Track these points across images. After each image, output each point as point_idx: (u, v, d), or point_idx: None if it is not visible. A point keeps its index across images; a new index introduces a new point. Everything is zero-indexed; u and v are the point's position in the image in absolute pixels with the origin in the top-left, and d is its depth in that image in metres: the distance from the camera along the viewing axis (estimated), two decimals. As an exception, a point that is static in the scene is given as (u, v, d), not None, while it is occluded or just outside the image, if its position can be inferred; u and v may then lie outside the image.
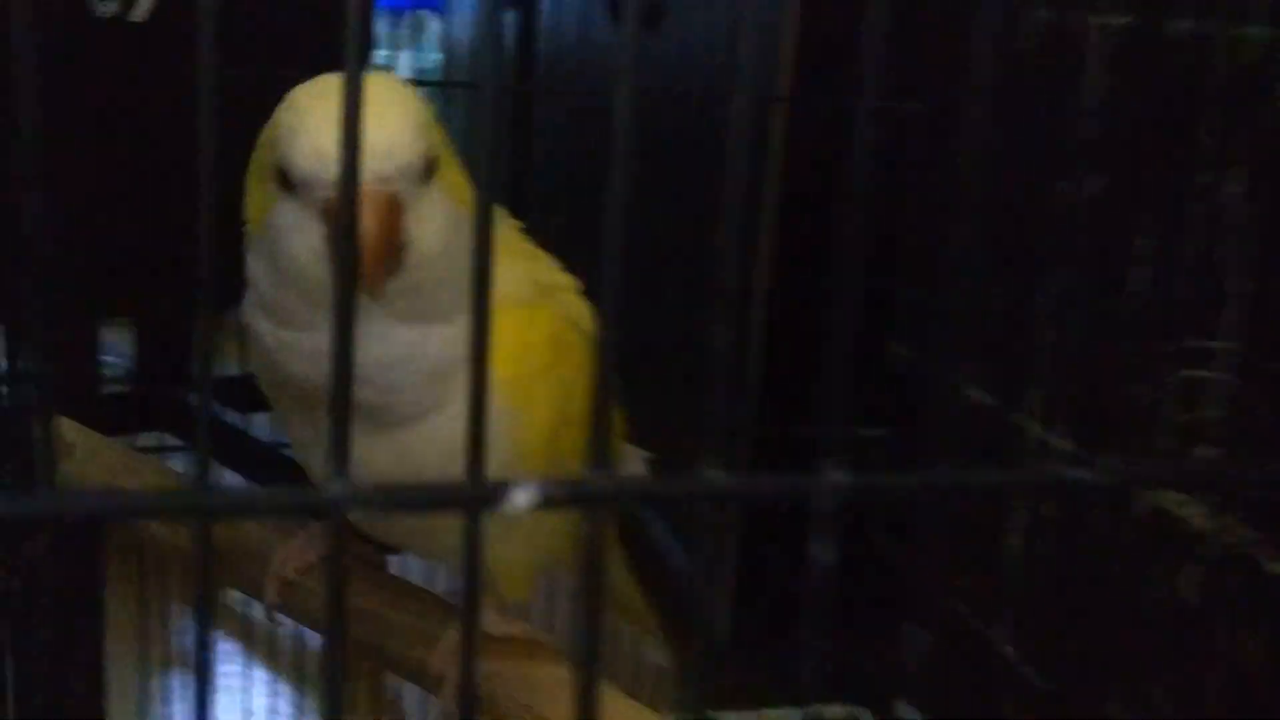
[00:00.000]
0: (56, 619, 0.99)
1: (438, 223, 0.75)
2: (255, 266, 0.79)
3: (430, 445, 0.81)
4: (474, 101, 1.57)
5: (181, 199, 1.20)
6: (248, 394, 1.80)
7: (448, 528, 0.83)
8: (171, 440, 2.21)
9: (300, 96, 0.74)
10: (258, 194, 0.78)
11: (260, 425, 1.96)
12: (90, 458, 0.95)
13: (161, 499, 0.48)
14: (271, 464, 1.91)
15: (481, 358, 0.35)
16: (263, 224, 0.76)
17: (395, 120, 0.73)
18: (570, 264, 0.90)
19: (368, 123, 0.57)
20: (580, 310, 0.89)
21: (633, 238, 0.31)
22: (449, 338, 0.79)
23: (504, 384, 0.80)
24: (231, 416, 2.20)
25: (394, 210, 0.71)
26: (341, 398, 0.36)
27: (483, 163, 0.35)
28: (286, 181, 0.73)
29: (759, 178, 1.48)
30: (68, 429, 0.97)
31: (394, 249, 0.71)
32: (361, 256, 0.69)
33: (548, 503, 0.33)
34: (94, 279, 1.51)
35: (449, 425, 0.80)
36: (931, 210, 1.37)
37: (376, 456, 0.80)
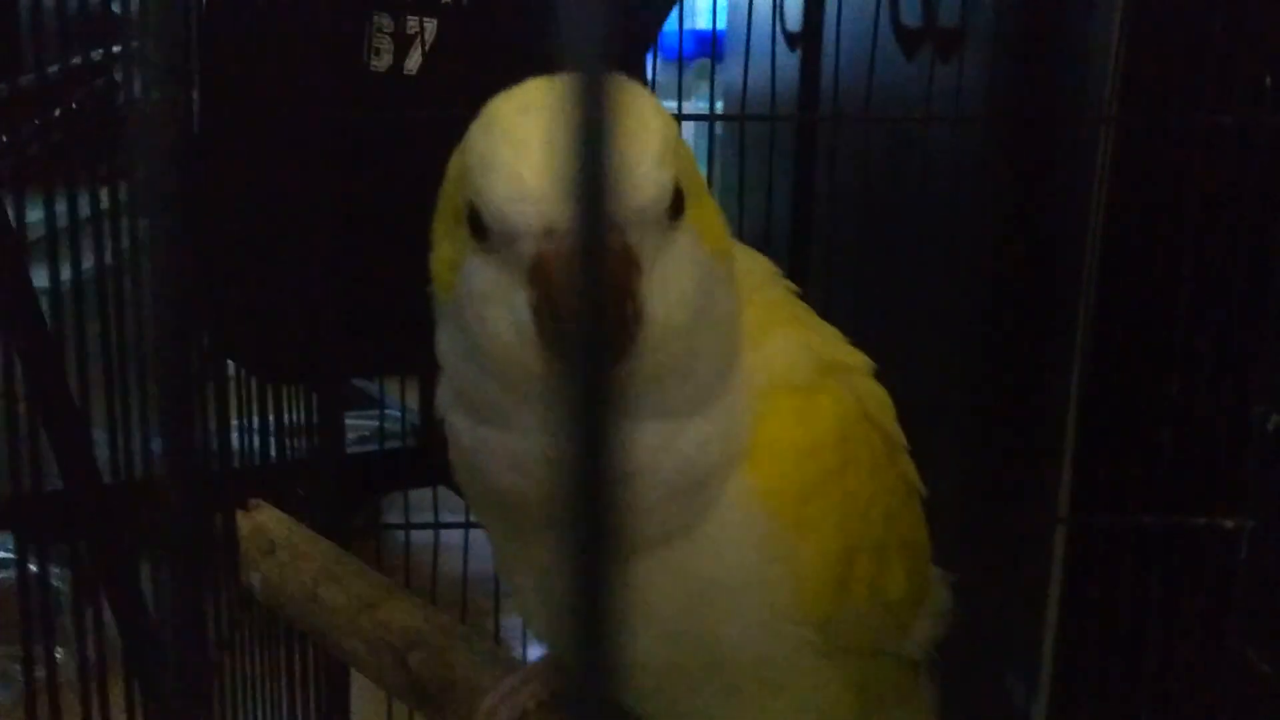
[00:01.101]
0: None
1: (686, 280, 0.58)
2: (445, 342, 0.64)
3: (677, 579, 0.64)
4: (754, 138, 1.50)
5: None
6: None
7: (696, 690, 0.69)
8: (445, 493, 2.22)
9: (499, 111, 0.58)
10: (445, 245, 0.62)
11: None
12: (293, 559, 0.88)
13: None
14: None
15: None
16: (452, 285, 0.61)
17: (635, 140, 0.55)
18: (858, 335, 0.74)
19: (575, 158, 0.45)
20: (874, 395, 0.72)
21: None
22: (704, 436, 0.62)
23: (774, 498, 0.64)
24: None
25: (632, 267, 0.54)
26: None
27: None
28: (479, 228, 0.57)
29: (1085, 206, 1.30)
30: (273, 523, 0.90)
31: (631, 321, 0.55)
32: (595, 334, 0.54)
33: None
34: (379, 333, 1.51)
35: (703, 552, 0.64)
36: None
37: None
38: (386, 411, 2.16)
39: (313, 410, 1.37)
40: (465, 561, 1.39)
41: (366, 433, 2.45)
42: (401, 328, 1.56)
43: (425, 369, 2.04)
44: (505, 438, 0.61)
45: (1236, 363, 1.21)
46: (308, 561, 0.90)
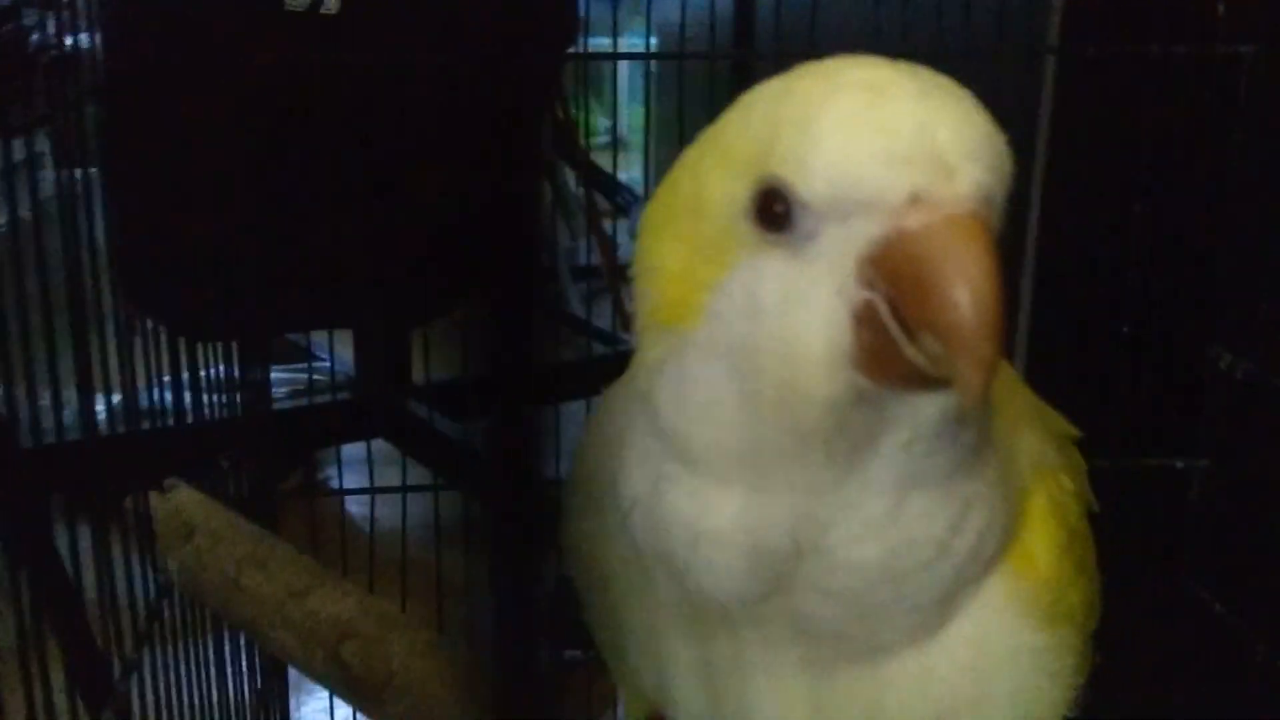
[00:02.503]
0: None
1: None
2: (681, 377, 0.50)
3: (917, 688, 0.54)
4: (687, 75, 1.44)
5: (390, 200, 1.07)
6: (465, 399, 1.75)
7: None
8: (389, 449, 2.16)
9: (800, 85, 0.48)
10: (677, 258, 0.50)
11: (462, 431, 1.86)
12: (214, 544, 0.82)
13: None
14: (485, 474, 1.79)
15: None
16: (701, 309, 0.49)
17: (979, 112, 0.46)
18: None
19: (942, 115, 0.44)
20: (1080, 470, 0.65)
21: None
22: (985, 507, 0.51)
23: (1037, 602, 0.55)
24: (444, 424, 2.13)
25: (999, 255, 0.44)
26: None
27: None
28: (774, 216, 0.46)
29: (1030, 142, 1.26)
30: (192, 506, 0.84)
31: (1003, 318, 0.43)
32: (961, 329, 0.41)
33: None
34: (311, 287, 1.44)
35: (951, 658, 0.54)
36: (1267, 178, 1.11)
37: (816, 699, 0.53)
38: (316, 364, 2.08)
39: (236, 365, 1.30)
40: (404, 534, 1.33)
41: (296, 387, 2.37)
42: (332, 281, 1.52)
43: (358, 322, 1.97)
44: (749, 502, 0.49)
45: (1189, 302, 1.19)
46: (230, 546, 0.84)
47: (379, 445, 2.12)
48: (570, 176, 3.11)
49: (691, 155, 0.52)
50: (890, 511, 0.49)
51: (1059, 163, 1.35)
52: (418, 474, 1.54)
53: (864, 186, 0.44)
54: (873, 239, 0.44)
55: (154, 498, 0.88)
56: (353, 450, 2.34)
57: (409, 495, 1.39)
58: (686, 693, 0.60)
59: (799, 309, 0.46)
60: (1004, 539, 0.54)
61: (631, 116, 3.36)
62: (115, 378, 0.95)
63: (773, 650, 0.54)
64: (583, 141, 2.75)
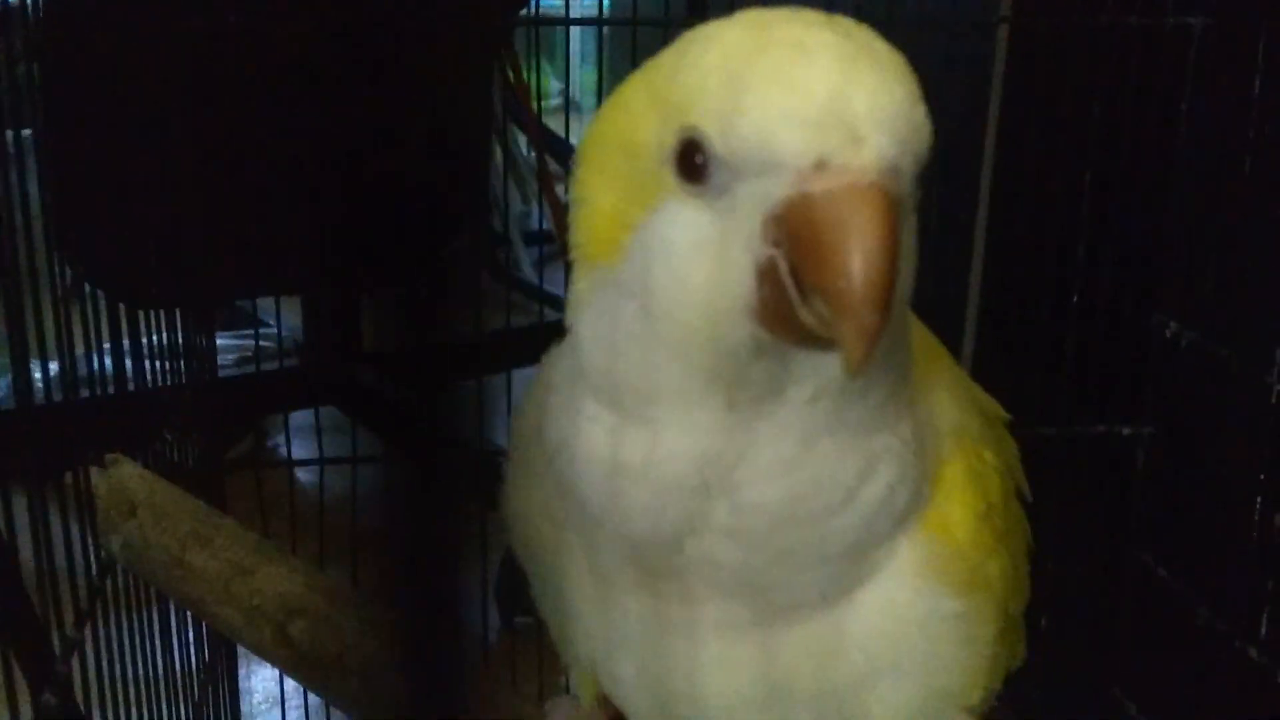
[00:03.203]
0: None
1: (910, 263, 0.49)
2: (594, 323, 0.52)
3: (827, 651, 0.54)
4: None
5: (344, 169, 1.05)
6: (415, 369, 1.73)
7: None
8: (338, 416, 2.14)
9: (729, 36, 0.47)
10: (608, 197, 0.51)
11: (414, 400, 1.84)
12: (157, 520, 0.80)
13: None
14: (432, 443, 1.78)
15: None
16: (621, 247, 0.50)
17: (901, 79, 0.46)
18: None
19: (860, 83, 0.44)
20: (1011, 449, 0.65)
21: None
22: (896, 460, 0.52)
23: (951, 570, 0.55)
24: (395, 390, 2.12)
25: (898, 226, 0.44)
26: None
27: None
28: (693, 167, 0.47)
29: (981, 112, 1.26)
30: (135, 481, 0.82)
31: (894, 289, 0.44)
32: (849, 298, 0.43)
33: None
34: (258, 254, 1.42)
35: (865, 622, 0.54)
36: (1214, 149, 1.12)
37: (729, 663, 0.54)
38: (262, 330, 2.05)
39: (181, 332, 1.28)
40: (354, 505, 1.32)
41: (243, 354, 2.33)
42: (275, 246, 1.49)
43: (303, 289, 1.94)
44: (667, 437, 0.50)
45: (1135, 272, 1.19)
46: (174, 523, 0.82)
47: (329, 412, 2.10)
48: (522, 140, 3.08)
49: (626, 92, 0.52)
50: (797, 455, 0.50)
51: (1010, 132, 1.36)
52: (368, 443, 1.52)
53: (773, 148, 0.45)
54: (778, 199, 0.45)
55: (95, 473, 0.86)
56: (303, 418, 2.32)
57: (358, 467, 1.37)
58: (625, 667, 0.61)
59: (708, 260, 0.47)
60: (917, 499, 0.55)
61: (584, 79, 3.33)
62: (52, 345, 0.92)
63: (693, 609, 0.55)
64: (535, 105, 2.72)
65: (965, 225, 1.32)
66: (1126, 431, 1.25)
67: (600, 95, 1.57)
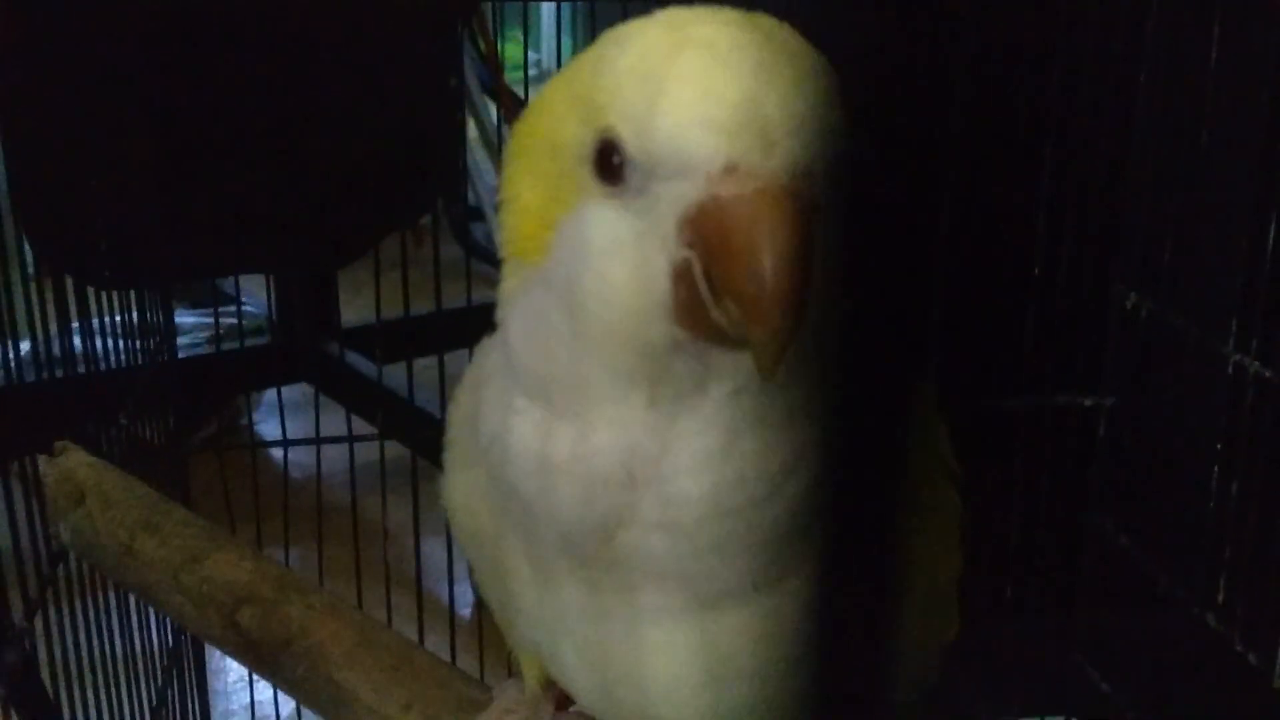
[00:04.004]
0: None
1: (831, 261, 0.49)
2: (519, 322, 0.53)
3: (758, 637, 0.55)
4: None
5: (312, 144, 1.04)
6: (384, 343, 1.73)
7: None
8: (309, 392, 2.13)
9: (651, 28, 0.48)
10: (532, 195, 0.52)
11: (393, 376, 1.84)
12: (105, 508, 0.79)
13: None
14: (404, 417, 1.78)
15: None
16: (544, 245, 0.51)
17: (816, 83, 0.46)
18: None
19: (773, 87, 0.44)
20: (937, 432, 0.66)
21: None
22: (820, 453, 0.52)
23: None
24: (366, 366, 2.11)
25: (809, 230, 0.45)
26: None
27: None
28: (610, 168, 0.47)
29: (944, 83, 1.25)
30: (84, 469, 0.81)
31: (805, 292, 0.44)
32: (759, 302, 0.43)
33: None
34: (216, 230, 1.40)
35: (797, 608, 0.55)
36: (1172, 119, 1.12)
37: (667, 648, 0.55)
38: (223, 309, 2.03)
39: (143, 311, 1.26)
40: (319, 488, 1.32)
41: (207, 333, 2.32)
42: (237, 223, 1.48)
43: (266, 267, 1.93)
44: (590, 432, 0.51)
45: (1095, 243, 1.19)
46: (122, 511, 0.82)
47: (295, 393, 2.09)
48: (494, 111, 3.06)
49: (550, 90, 0.53)
50: (723, 448, 0.50)
51: (969, 103, 1.35)
52: (333, 423, 1.52)
53: (683, 152, 0.45)
54: (690, 202, 0.46)
55: (42, 461, 0.86)
56: (270, 398, 2.31)
57: (321, 447, 1.37)
58: (567, 652, 0.61)
59: (625, 260, 0.48)
60: None
61: (554, 49, 3.30)
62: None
63: (629, 597, 0.55)
64: (505, 75, 2.70)
65: (929, 195, 1.32)
66: (1088, 402, 1.26)
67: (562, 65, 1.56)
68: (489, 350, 0.59)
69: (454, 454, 0.64)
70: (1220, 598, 1.09)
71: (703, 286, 0.46)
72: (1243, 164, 1.05)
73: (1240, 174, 1.05)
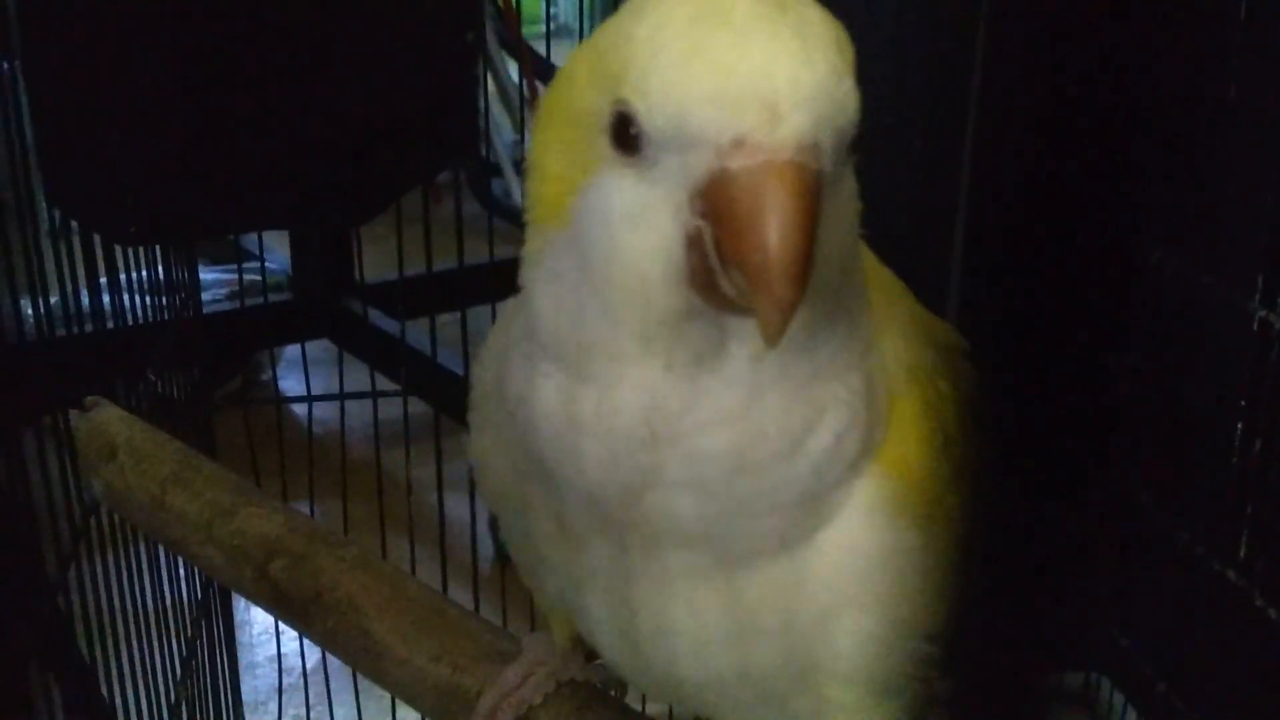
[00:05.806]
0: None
1: (847, 231, 0.50)
2: (544, 284, 0.54)
3: (791, 591, 0.56)
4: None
5: (331, 99, 1.04)
6: (406, 299, 1.73)
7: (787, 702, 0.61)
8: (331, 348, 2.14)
9: (661, 7, 0.48)
10: (556, 162, 0.53)
11: (416, 333, 1.85)
12: (137, 463, 0.80)
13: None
14: (425, 374, 1.78)
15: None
16: (566, 211, 0.52)
17: (826, 54, 0.47)
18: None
19: (783, 60, 0.44)
20: (971, 379, 0.65)
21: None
22: (845, 410, 0.53)
23: (908, 506, 0.56)
24: (387, 324, 2.11)
25: (815, 201, 0.45)
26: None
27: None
28: (627, 138, 0.48)
29: (969, 42, 1.24)
30: (115, 424, 0.82)
31: (809, 263, 0.45)
32: (764, 273, 0.44)
33: None
34: (239, 187, 1.40)
35: (828, 562, 0.55)
36: (1197, 77, 1.10)
37: (695, 607, 0.56)
38: (253, 264, 2.03)
39: (166, 268, 1.27)
40: (343, 444, 1.33)
41: (231, 289, 2.33)
42: (259, 180, 1.48)
43: (288, 223, 1.93)
44: (610, 394, 0.52)
45: (1120, 201, 1.18)
46: (154, 465, 0.83)
47: (317, 348, 2.10)
48: (512, 67, 3.04)
49: (574, 59, 0.53)
50: (743, 404, 0.51)
51: (997, 61, 1.34)
52: (356, 379, 1.53)
53: (692, 125, 0.46)
54: (701, 174, 0.46)
55: (74, 415, 0.87)
56: (292, 353, 2.32)
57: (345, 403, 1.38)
58: (595, 609, 0.62)
59: (640, 228, 0.48)
60: (869, 443, 0.56)
61: (575, 5, 3.27)
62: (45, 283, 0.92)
63: (657, 556, 0.56)
64: (524, 31, 2.68)
65: (952, 153, 1.31)
66: (1112, 359, 1.25)
67: (592, 18, 1.54)
68: (513, 313, 0.59)
69: (480, 416, 0.65)
70: (1241, 554, 1.09)
71: (713, 256, 0.47)
72: (1268, 121, 1.04)
73: (1266, 130, 1.04)
